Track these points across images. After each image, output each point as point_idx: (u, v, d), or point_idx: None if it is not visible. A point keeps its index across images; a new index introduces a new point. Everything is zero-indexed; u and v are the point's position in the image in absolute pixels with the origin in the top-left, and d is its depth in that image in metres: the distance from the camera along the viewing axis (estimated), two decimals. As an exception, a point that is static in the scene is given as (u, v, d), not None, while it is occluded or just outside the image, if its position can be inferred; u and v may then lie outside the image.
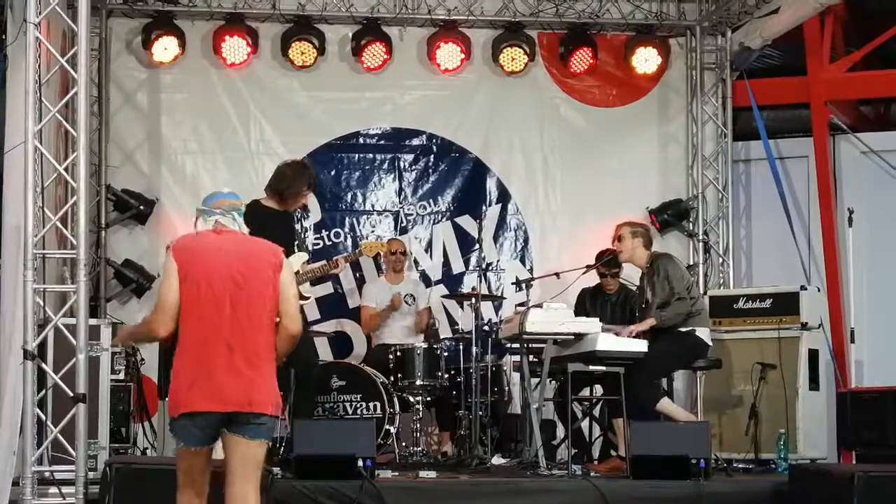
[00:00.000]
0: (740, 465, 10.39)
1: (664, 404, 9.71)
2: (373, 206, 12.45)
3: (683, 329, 9.76)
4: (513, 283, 11.19)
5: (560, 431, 10.68)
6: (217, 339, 6.20)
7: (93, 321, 8.69)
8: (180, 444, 6.25)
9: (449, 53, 12.21)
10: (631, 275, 10.99)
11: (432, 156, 12.53)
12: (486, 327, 10.95)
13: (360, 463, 8.49)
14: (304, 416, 9.48)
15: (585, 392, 10.29)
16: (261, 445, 6.29)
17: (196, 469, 6.29)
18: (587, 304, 11.09)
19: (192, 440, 6.22)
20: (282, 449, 10.16)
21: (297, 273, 9.55)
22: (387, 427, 10.40)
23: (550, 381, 10.16)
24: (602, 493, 8.59)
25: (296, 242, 10.10)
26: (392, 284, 11.65)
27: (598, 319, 9.70)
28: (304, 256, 10.00)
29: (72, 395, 8.12)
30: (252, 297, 6.28)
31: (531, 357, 9.94)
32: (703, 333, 9.86)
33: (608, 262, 10.68)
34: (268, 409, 6.25)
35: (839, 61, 12.56)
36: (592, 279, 11.07)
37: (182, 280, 6.25)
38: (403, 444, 10.70)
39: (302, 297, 9.53)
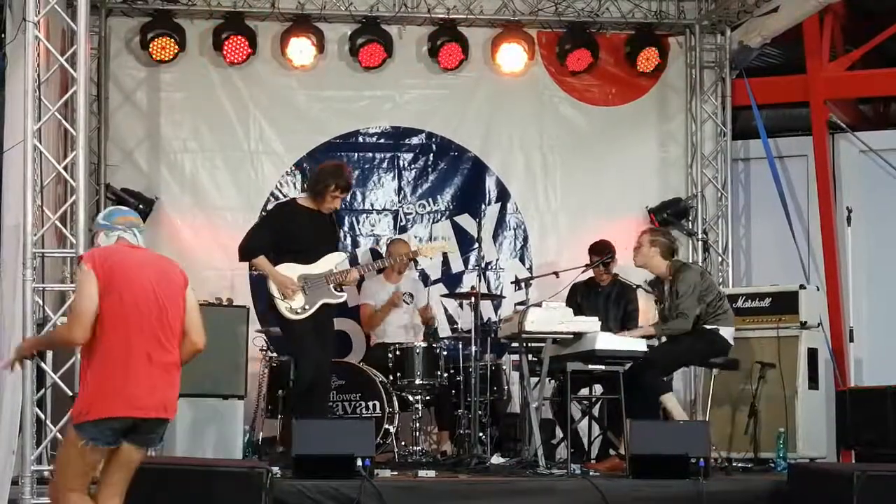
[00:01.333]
0: (739, 465, 10.39)
1: (667, 398, 9.74)
2: (372, 204, 12.45)
3: (708, 326, 9.79)
4: (512, 282, 11.20)
5: (559, 431, 10.68)
6: (139, 349, 6.43)
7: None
8: (91, 443, 6.37)
9: (448, 53, 12.21)
10: (627, 271, 10.99)
11: (431, 154, 12.53)
12: (485, 326, 10.94)
13: (360, 462, 8.49)
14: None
15: (585, 391, 10.29)
16: (145, 454, 6.65)
17: (94, 466, 6.49)
18: (579, 297, 11.09)
19: (105, 439, 6.40)
20: (281, 447, 10.18)
21: (330, 273, 9.60)
22: (386, 426, 10.40)
23: (550, 381, 10.15)
24: (601, 493, 8.59)
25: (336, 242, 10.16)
26: (391, 284, 11.64)
27: (596, 318, 9.70)
28: (343, 256, 10.05)
29: (71, 394, 8.11)
30: (169, 311, 6.55)
31: (530, 356, 9.93)
32: (727, 333, 9.91)
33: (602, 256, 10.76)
34: (172, 415, 6.59)
35: (838, 60, 12.56)
36: (585, 273, 11.08)
37: (103, 290, 6.41)
38: (402, 443, 10.70)
39: (335, 296, 9.63)
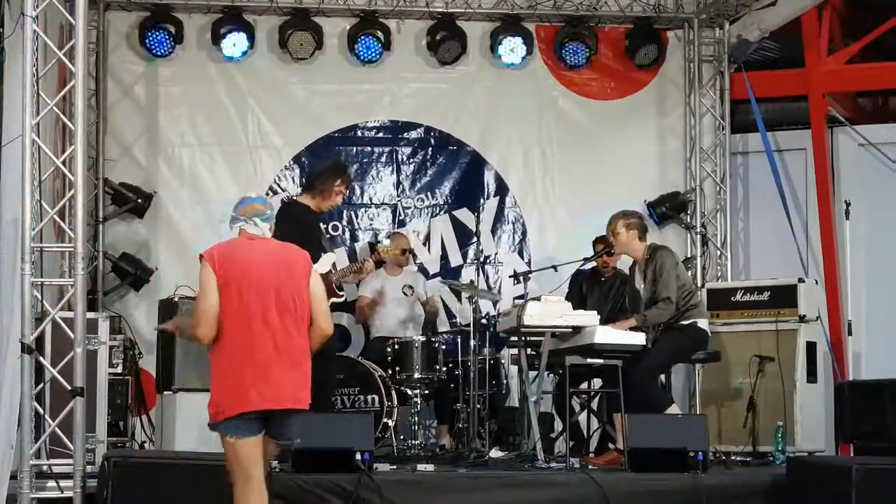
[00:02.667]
0: (738, 458, 10.38)
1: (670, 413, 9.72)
2: (371, 198, 12.45)
3: (685, 322, 9.75)
4: (511, 276, 11.20)
5: (558, 424, 10.68)
6: (264, 341, 6.53)
7: (90, 315, 8.70)
8: (239, 437, 6.53)
9: (447, 47, 12.21)
10: (624, 264, 10.99)
11: (430, 149, 12.53)
12: (483, 320, 10.94)
13: (358, 456, 8.49)
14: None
15: (584, 385, 10.29)
16: (278, 445, 6.75)
17: (255, 456, 6.60)
18: (583, 287, 11.09)
19: (252, 431, 6.56)
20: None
21: (329, 273, 9.58)
22: (385, 420, 10.41)
23: (548, 374, 10.16)
24: (600, 486, 8.59)
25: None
26: (392, 276, 11.65)
27: (595, 312, 9.70)
28: (334, 257, 10.03)
29: (69, 388, 8.12)
30: (293, 300, 6.62)
31: (529, 350, 9.93)
32: (704, 325, 9.87)
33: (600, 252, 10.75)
34: (305, 405, 6.68)
35: (837, 53, 12.56)
36: (588, 263, 11.07)
37: (222, 287, 6.53)
38: (401, 437, 10.70)
39: (336, 295, 9.60)
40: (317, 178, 9.89)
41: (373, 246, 12.21)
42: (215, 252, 6.66)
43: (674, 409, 9.72)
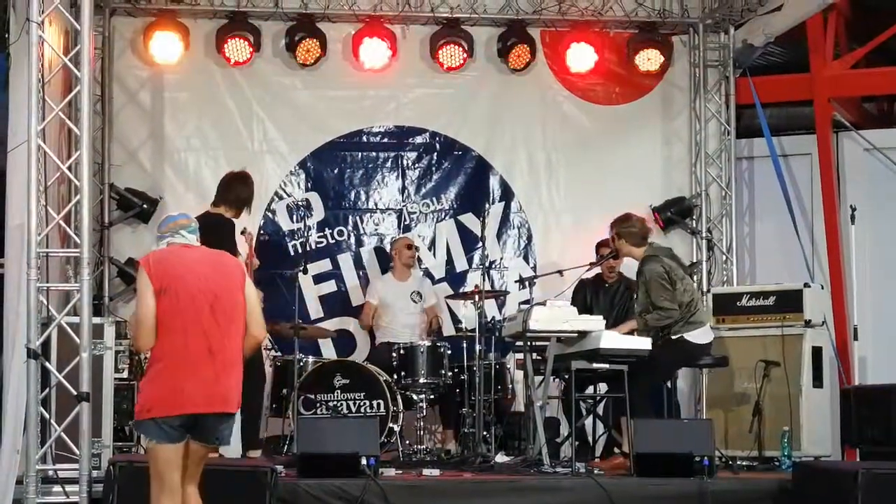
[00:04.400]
0: (744, 463, 10.38)
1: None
2: (376, 204, 12.45)
3: (673, 336, 9.71)
4: (516, 281, 11.20)
5: (564, 429, 10.68)
6: (199, 345, 6.55)
7: (96, 320, 8.70)
8: (160, 441, 6.54)
9: (451, 52, 12.21)
10: (627, 268, 10.99)
11: (435, 154, 12.53)
12: (489, 325, 10.94)
13: (364, 461, 8.50)
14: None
15: (590, 390, 10.29)
16: (213, 450, 6.81)
17: (175, 463, 6.59)
18: (587, 295, 11.08)
19: (173, 437, 6.55)
20: (286, 447, 10.18)
21: None
22: (390, 425, 10.40)
23: (554, 379, 10.16)
24: (606, 491, 8.59)
25: None
26: (400, 282, 11.66)
27: (601, 317, 9.69)
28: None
29: (75, 393, 8.13)
30: (229, 305, 6.66)
31: (535, 355, 9.93)
32: (694, 336, 9.76)
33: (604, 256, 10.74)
34: (234, 409, 6.70)
35: (842, 58, 12.55)
36: (591, 270, 11.07)
37: (160, 292, 6.55)
38: (407, 442, 10.71)
39: None
40: (246, 191, 10.04)
41: (379, 251, 12.23)
42: (151, 258, 6.69)
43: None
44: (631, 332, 9.75)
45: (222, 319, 6.60)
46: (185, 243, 6.78)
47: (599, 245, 11.20)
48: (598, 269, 11.13)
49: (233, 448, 9.12)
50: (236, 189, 10.02)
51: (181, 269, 6.62)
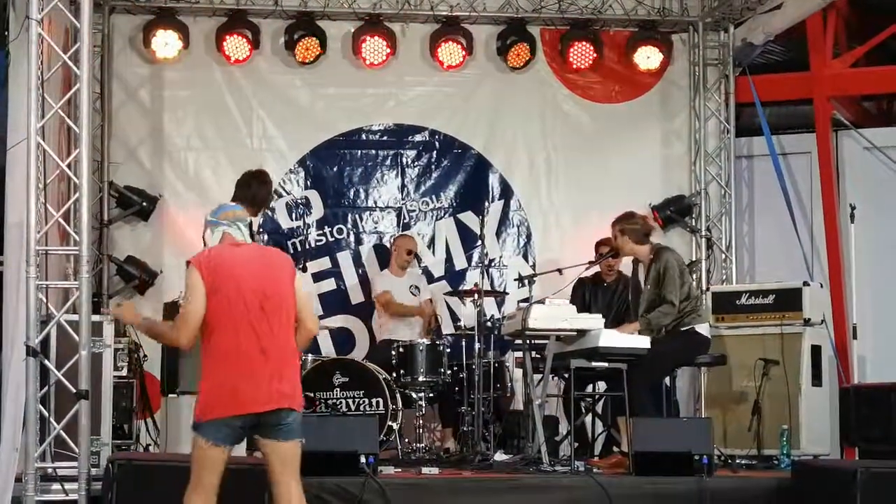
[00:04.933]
0: (743, 462, 10.38)
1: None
2: (375, 202, 12.45)
3: (683, 328, 9.74)
4: (515, 280, 11.19)
5: (563, 427, 10.68)
6: (251, 344, 6.57)
7: (95, 317, 8.68)
8: (209, 442, 6.57)
9: (451, 50, 12.21)
10: (627, 267, 10.97)
11: (435, 152, 12.54)
12: (488, 323, 10.94)
13: (363, 459, 8.49)
14: None
15: (589, 388, 10.29)
16: (296, 445, 6.72)
17: (217, 468, 6.63)
18: (586, 294, 11.08)
19: (221, 439, 6.58)
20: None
21: None
22: (389, 423, 10.39)
23: (553, 378, 10.15)
24: (605, 490, 8.58)
25: None
26: (398, 277, 11.67)
27: (600, 316, 9.69)
28: None
29: (74, 391, 8.12)
30: (279, 304, 6.67)
31: (534, 353, 9.93)
32: (703, 329, 9.84)
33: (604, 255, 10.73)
34: (296, 405, 6.67)
35: (842, 57, 12.56)
36: (590, 268, 11.07)
37: (211, 292, 6.58)
38: (406, 440, 10.70)
39: None
40: (264, 190, 9.95)
41: (378, 249, 12.24)
42: (202, 258, 6.71)
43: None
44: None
45: (273, 317, 6.62)
46: (236, 239, 6.80)
47: (598, 244, 11.20)
48: (596, 268, 11.13)
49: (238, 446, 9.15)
50: (254, 187, 9.90)
51: (232, 268, 6.63)
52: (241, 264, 6.67)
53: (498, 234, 12.53)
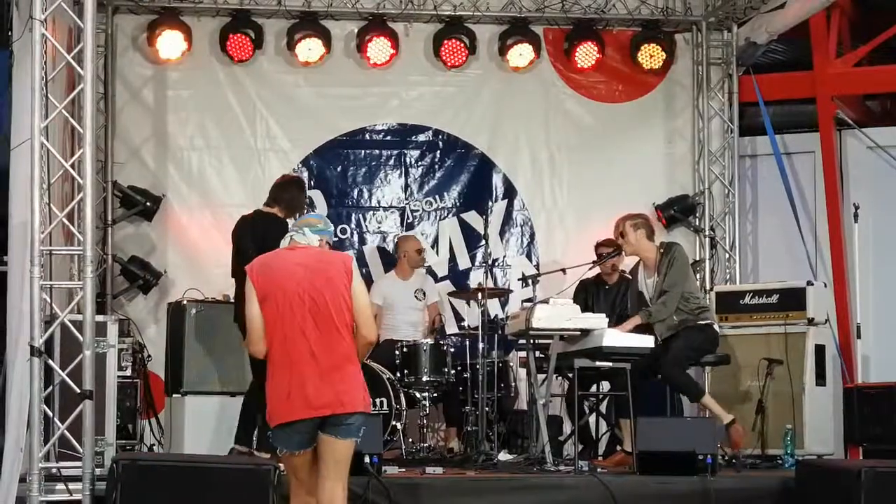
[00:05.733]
0: (747, 461, 10.37)
1: (707, 400, 9.74)
2: (379, 202, 12.45)
3: (702, 322, 9.74)
4: (519, 279, 11.19)
5: (567, 427, 10.68)
6: (301, 349, 6.63)
7: (99, 317, 8.69)
8: (283, 451, 6.74)
9: (454, 50, 12.21)
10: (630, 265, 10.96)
11: (438, 152, 12.54)
12: (492, 323, 10.93)
13: (367, 459, 8.48)
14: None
15: (593, 388, 10.29)
16: (351, 444, 6.79)
17: (304, 469, 6.78)
18: (586, 294, 11.07)
19: (292, 445, 6.70)
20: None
21: None
22: (393, 423, 10.40)
23: (557, 377, 10.15)
24: (609, 489, 8.58)
25: None
26: (403, 280, 11.66)
27: (604, 315, 9.69)
28: None
29: (78, 391, 8.12)
30: (330, 307, 6.69)
31: (538, 353, 9.93)
32: (716, 326, 9.90)
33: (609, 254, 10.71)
34: (358, 408, 6.73)
35: (845, 56, 12.55)
36: (591, 270, 11.05)
37: (262, 299, 6.68)
38: (410, 440, 10.71)
39: None
40: (293, 191, 9.80)
41: (382, 249, 12.24)
42: (255, 265, 6.82)
43: (708, 399, 9.78)
44: (633, 330, 9.73)
45: (322, 321, 6.64)
46: (295, 244, 6.85)
47: (598, 245, 11.16)
48: (597, 270, 11.11)
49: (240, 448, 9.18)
50: (293, 191, 9.76)
51: (280, 274, 6.70)
52: (291, 268, 6.72)
53: (501, 233, 12.53)
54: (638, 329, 9.70)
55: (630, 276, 10.94)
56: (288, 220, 9.73)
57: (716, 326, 9.89)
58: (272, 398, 6.69)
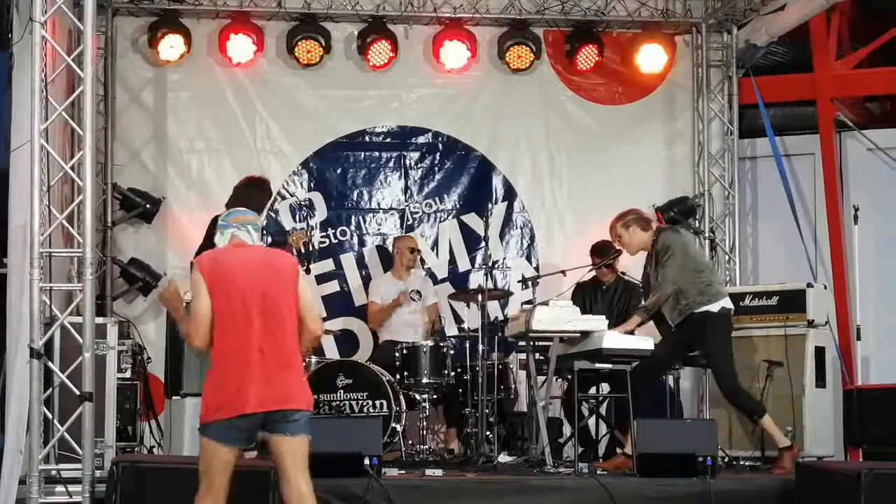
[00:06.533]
0: (747, 463, 10.37)
1: (766, 420, 9.67)
2: (379, 204, 12.45)
3: (715, 308, 9.49)
4: (519, 281, 11.19)
5: (566, 429, 10.68)
6: (250, 345, 6.57)
7: (99, 319, 8.70)
8: (215, 443, 6.58)
9: (454, 52, 12.22)
10: (628, 266, 10.95)
11: (438, 154, 12.54)
12: (492, 325, 10.93)
13: (367, 461, 8.49)
14: None
15: (593, 390, 10.28)
16: (304, 440, 6.69)
17: (224, 473, 6.64)
18: (584, 296, 11.06)
19: (229, 440, 6.58)
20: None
21: None
22: (393, 425, 10.40)
23: (557, 379, 10.15)
24: (608, 491, 8.58)
25: None
26: (399, 280, 11.66)
27: (603, 317, 9.68)
28: None
29: (78, 393, 8.13)
30: (279, 304, 6.66)
31: (537, 355, 9.93)
32: (728, 301, 9.65)
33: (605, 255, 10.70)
34: (302, 406, 6.66)
35: (845, 58, 12.56)
36: (590, 272, 11.05)
37: (211, 293, 6.60)
38: (410, 441, 10.71)
39: None
40: (253, 199, 9.92)
41: (381, 250, 12.23)
42: (204, 259, 6.74)
43: (768, 421, 9.65)
44: (632, 331, 9.72)
45: (272, 318, 6.61)
46: (242, 241, 6.81)
47: (592, 252, 11.09)
48: (594, 272, 11.08)
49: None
50: (249, 193, 9.97)
51: (231, 269, 6.65)
52: (241, 265, 6.68)
53: (501, 235, 12.53)
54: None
55: (625, 276, 11.01)
56: None
57: (726, 302, 9.60)
58: (216, 391, 6.58)
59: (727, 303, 9.63)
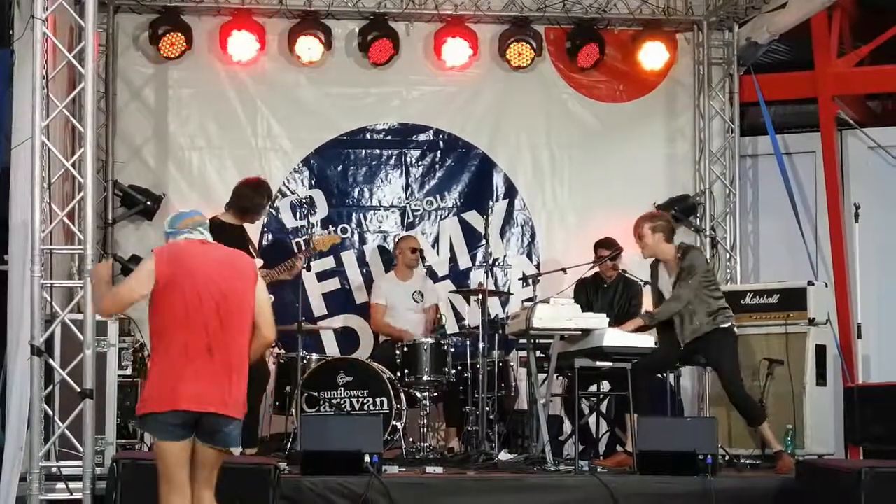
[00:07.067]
0: (747, 461, 10.37)
1: (764, 426, 9.78)
2: (380, 201, 12.44)
3: (724, 326, 9.70)
4: (520, 279, 11.20)
5: (567, 427, 10.68)
6: (199, 343, 6.49)
7: (99, 317, 8.69)
8: (159, 440, 6.51)
9: (456, 49, 12.22)
10: (633, 267, 10.95)
11: (439, 151, 12.53)
12: (493, 322, 10.93)
13: (367, 459, 8.50)
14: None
15: (593, 388, 10.29)
16: (225, 453, 6.63)
17: (181, 467, 6.52)
18: (587, 294, 11.06)
19: (170, 435, 6.47)
20: (289, 444, 10.18)
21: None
22: (394, 423, 10.39)
23: (557, 377, 10.15)
24: (609, 489, 8.59)
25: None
26: (402, 281, 11.66)
27: (604, 315, 9.69)
28: (259, 262, 10.03)
29: (79, 390, 8.13)
30: (236, 305, 6.60)
31: (538, 352, 9.92)
32: (733, 320, 9.89)
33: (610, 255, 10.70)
34: (238, 415, 6.58)
35: (847, 56, 12.55)
36: (592, 269, 11.04)
37: (165, 285, 6.51)
38: (410, 439, 10.70)
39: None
40: (245, 196, 10.18)
41: (382, 249, 12.24)
42: (167, 250, 6.66)
43: (765, 426, 9.82)
44: (636, 330, 9.73)
45: (227, 319, 6.53)
46: (202, 239, 6.75)
47: (597, 245, 11.14)
48: (596, 269, 11.09)
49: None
50: (244, 195, 10.09)
51: (193, 264, 6.57)
52: (203, 262, 6.61)
53: (502, 233, 12.52)
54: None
55: (626, 273, 11.00)
56: (241, 223, 10.08)
57: (734, 326, 9.85)
58: (158, 383, 6.47)
59: (734, 321, 9.84)
